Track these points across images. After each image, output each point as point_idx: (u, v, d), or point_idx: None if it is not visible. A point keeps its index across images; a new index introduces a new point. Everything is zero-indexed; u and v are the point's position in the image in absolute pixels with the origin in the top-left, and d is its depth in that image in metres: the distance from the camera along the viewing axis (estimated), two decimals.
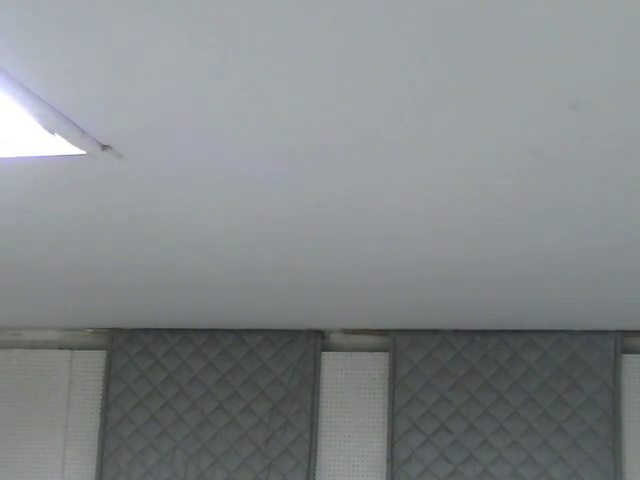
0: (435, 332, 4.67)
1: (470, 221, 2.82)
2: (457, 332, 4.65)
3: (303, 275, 3.61)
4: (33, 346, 5.15)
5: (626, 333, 4.52)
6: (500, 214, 2.75)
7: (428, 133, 2.16)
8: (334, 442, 4.73)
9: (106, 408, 4.94)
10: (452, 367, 4.63)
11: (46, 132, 2.15)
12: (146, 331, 4.97)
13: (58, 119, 2.08)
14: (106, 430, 4.92)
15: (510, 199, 2.61)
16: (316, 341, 4.79)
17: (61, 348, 5.11)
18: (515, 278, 3.54)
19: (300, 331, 4.81)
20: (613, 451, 4.41)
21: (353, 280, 3.66)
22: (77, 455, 4.99)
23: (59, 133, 2.16)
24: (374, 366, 4.76)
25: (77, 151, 2.27)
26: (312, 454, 4.70)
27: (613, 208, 2.66)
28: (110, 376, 4.97)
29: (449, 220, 2.83)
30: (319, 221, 2.88)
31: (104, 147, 2.27)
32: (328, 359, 4.80)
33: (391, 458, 4.60)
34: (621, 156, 2.26)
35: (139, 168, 2.43)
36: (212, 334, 4.90)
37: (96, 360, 5.06)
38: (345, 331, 4.83)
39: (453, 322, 4.55)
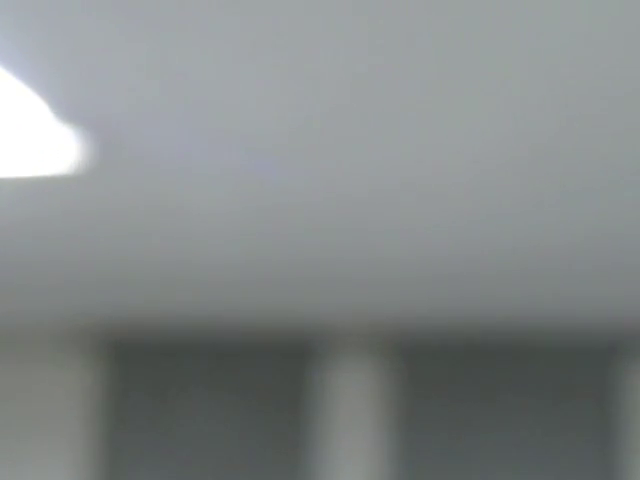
0: (435, 333, 4.68)
1: (469, 219, 2.83)
2: (458, 332, 4.66)
3: (303, 274, 3.62)
4: (33, 346, 5.16)
5: (626, 333, 4.53)
6: (499, 212, 2.76)
7: (428, 131, 2.16)
8: (334, 443, 4.73)
9: (106, 409, 4.94)
10: (452, 367, 4.64)
11: (47, 132, 2.16)
12: (146, 332, 4.98)
13: (58, 119, 2.09)
14: (106, 431, 4.92)
15: (509, 197, 2.61)
16: (315, 342, 4.80)
17: (61, 348, 5.12)
18: (515, 277, 3.54)
19: (300, 332, 4.82)
20: (613, 452, 4.42)
21: (353, 280, 3.67)
22: (77, 456, 4.99)
23: (59, 133, 2.17)
24: (374, 368, 4.76)
25: (76, 151, 2.27)
26: (312, 455, 4.70)
27: (613, 206, 2.66)
28: (110, 376, 4.97)
29: (449, 219, 2.83)
30: (319, 222, 2.89)
31: (103, 147, 2.28)
32: (328, 360, 4.81)
33: (391, 459, 4.61)
34: (621, 155, 2.26)
35: (138, 167, 2.44)
36: (212, 335, 4.91)
37: (96, 360, 5.06)
38: (345, 333, 4.84)
39: (454, 322, 4.56)
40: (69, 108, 2.10)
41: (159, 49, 1.82)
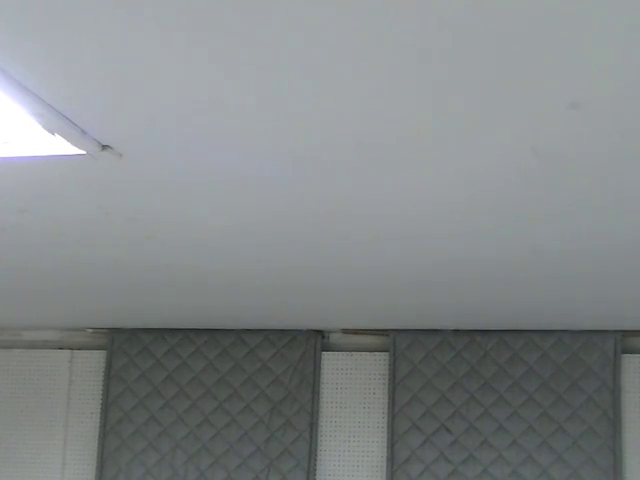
0: (435, 332, 4.67)
1: (470, 221, 2.82)
2: (457, 332, 4.65)
3: (303, 275, 3.61)
4: (33, 346, 5.16)
5: (626, 333, 4.52)
6: (500, 214, 2.75)
7: (428, 134, 2.16)
8: (334, 442, 4.73)
9: (106, 408, 4.94)
10: (452, 367, 4.63)
11: (46, 132, 2.15)
12: (146, 331, 4.97)
13: (58, 119, 2.08)
14: (106, 430, 4.92)
15: (510, 199, 2.61)
16: (316, 341, 4.79)
17: (61, 348, 5.12)
18: (515, 278, 3.54)
19: (300, 331, 4.82)
20: (613, 451, 4.41)
21: (353, 280, 3.66)
22: (77, 455, 4.99)
23: (59, 133, 2.15)
24: (374, 366, 4.76)
25: (77, 151, 2.27)
26: (312, 454, 4.70)
27: (613, 208, 2.66)
28: (110, 376, 4.97)
29: (449, 220, 2.83)
30: (319, 221, 2.88)
31: (104, 147, 2.27)
32: (328, 359, 4.81)
33: (391, 458, 4.60)
34: (621, 156, 2.26)
35: (139, 168, 2.43)
36: (212, 334, 4.90)
37: (96, 360, 5.06)
38: (345, 331, 4.83)
39: (453, 322, 4.55)
40: (71, 116, 2.09)
41: (161, 52, 1.81)
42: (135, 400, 4.92)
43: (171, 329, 4.94)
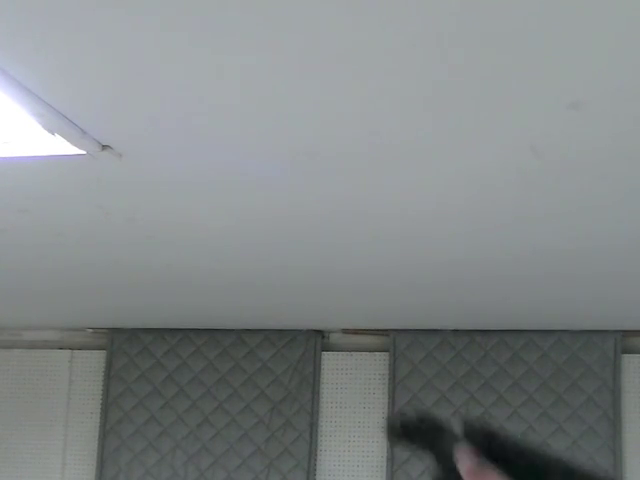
0: (435, 332, 4.67)
1: (470, 221, 2.82)
2: (457, 332, 4.65)
3: (303, 275, 3.61)
4: (33, 346, 5.16)
5: (626, 333, 4.52)
6: (500, 214, 2.75)
7: (428, 134, 2.16)
8: (334, 442, 4.73)
9: (106, 408, 4.94)
10: (452, 367, 4.63)
11: (46, 132, 2.15)
12: (146, 331, 4.97)
13: (58, 119, 2.08)
14: (106, 430, 4.92)
15: (510, 199, 2.61)
16: (316, 341, 4.79)
17: (61, 348, 5.12)
18: (515, 278, 3.54)
19: (300, 331, 4.82)
20: (613, 451, 4.41)
21: (353, 280, 3.66)
22: (77, 455, 4.99)
23: (59, 133, 2.16)
24: (374, 366, 4.76)
25: (77, 151, 2.27)
26: (312, 454, 4.70)
27: (613, 208, 2.66)
28: (110, 376, 4.97)
29: (449, 220, 2.83)
30: (319, 221, 2.88)
31: (104, 147, 2.27)
32: (328, 359, 4.80)
33: (391, 458, 4.60)
34: (621, 156, 2.26)
35: (139, 168, 2.43)
36: (212, 334, 4.90)
37: (96, 360, 5.06)
38: (345, 331, 4.83)
39: (453, 322, 4.55)
40: (71, 116, 2.09)
41: (161, 52, 1.81)
42: (135, 400, 4.92)
43: (171, 329, 4.94)
